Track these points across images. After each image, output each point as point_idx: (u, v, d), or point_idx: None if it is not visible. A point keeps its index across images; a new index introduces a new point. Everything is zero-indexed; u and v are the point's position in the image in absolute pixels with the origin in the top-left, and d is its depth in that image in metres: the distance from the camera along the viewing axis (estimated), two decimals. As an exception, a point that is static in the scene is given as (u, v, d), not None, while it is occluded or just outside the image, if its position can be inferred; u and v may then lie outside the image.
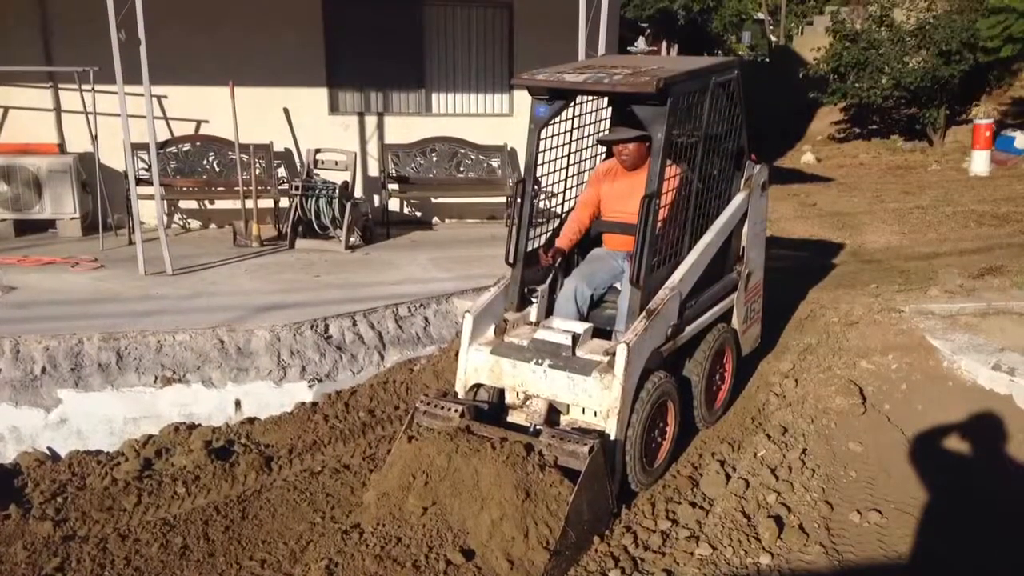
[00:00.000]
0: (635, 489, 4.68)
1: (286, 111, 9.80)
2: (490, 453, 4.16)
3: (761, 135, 11.21)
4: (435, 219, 10.57)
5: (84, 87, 8.43)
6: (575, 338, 4.65)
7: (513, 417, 4.87)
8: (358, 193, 9.54)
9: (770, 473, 4.78)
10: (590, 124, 5.48)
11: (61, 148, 9.31)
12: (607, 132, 5.47)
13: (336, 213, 8.74)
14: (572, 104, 5.11)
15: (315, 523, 4.61)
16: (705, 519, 4.48)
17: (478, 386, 4.95)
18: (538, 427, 4.57)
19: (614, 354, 4.41)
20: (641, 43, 26.04)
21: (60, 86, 9.21)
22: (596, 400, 4.45)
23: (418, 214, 10.57)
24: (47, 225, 9.18)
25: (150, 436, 5.63)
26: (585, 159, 5.58)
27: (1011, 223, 9.70)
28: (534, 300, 5.18)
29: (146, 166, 8.62)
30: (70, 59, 8.62)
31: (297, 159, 9.85)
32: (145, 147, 7.88)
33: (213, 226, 9.93)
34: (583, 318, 5.02)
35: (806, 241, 9.56)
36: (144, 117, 7.31)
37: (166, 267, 7.50)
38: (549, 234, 5.37)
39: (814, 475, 4.75)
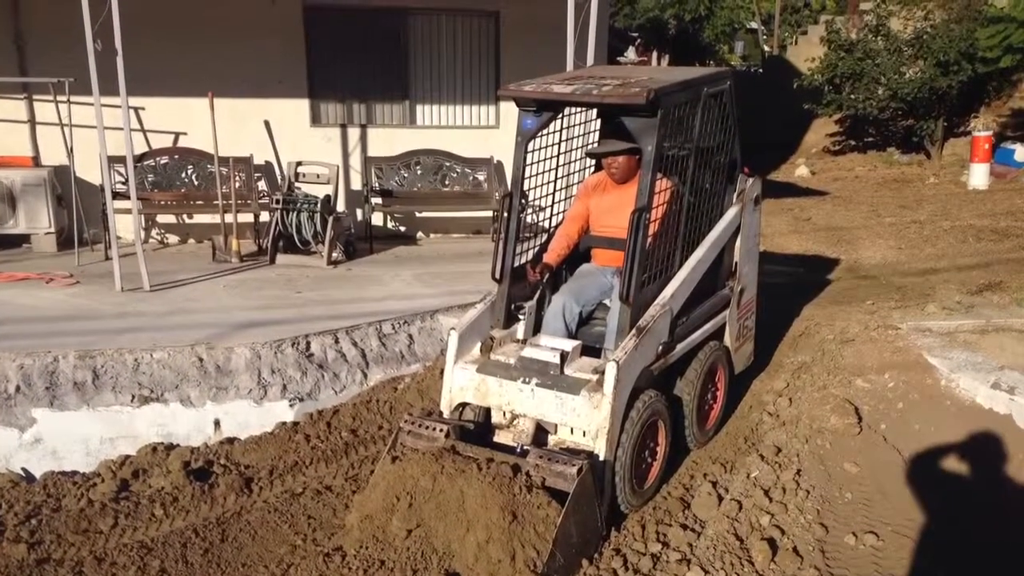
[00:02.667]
0: (625, 511, 4.62)
1: (267, 123, 9.70)
2: (476, 474, 4.11)
3: (754, 147, 11.17)
4: (419, 234, 10.49)
5: (59, 98, 8.34)
6: (563, 356, 4.58)
7: (500, 437, 4.80)
8: (340, 207, 9.45)
9: (763, 494, 4.71)
10: (579, 136, 5.43)
11: (35, 161, 9.18)
12: (596, 144, 5.39)
13: (318, 228, 8.67)
14: (560, 116, 5.08)
15: (296, 546, 4.57)
16: (697, 542, 4.42)
17: (464, 405, 4.89)
18: (525, 447, 4.52)
19: (603, 372, 4.36)
20: (631, 53, 26.26)
21: (34, 97, 9.09)
22: (585, 420, 4.39)
23: (402, 229, 10.48)
24: (21, 240, 9.04)
25: (127, 456, 5.55)
26: (573, 172, 5.54)
27: (1011, 238, 9.67)
28: (521, 317, 5.13)
29: (123, 179, 8.50)
30: (45, 69, 8.52)
31: (278, 172, 9.76)
32: (122, 160, 7.77)
33: (192, 241, 9.82)
34: (571, 335, 4.96)
35: (800, 256, 9.53)
36: (121, 129, 7.23)
37: (143, 283, 7.40)
38: (537, 249, 5.32)
39: (808, 496, 4.69)
